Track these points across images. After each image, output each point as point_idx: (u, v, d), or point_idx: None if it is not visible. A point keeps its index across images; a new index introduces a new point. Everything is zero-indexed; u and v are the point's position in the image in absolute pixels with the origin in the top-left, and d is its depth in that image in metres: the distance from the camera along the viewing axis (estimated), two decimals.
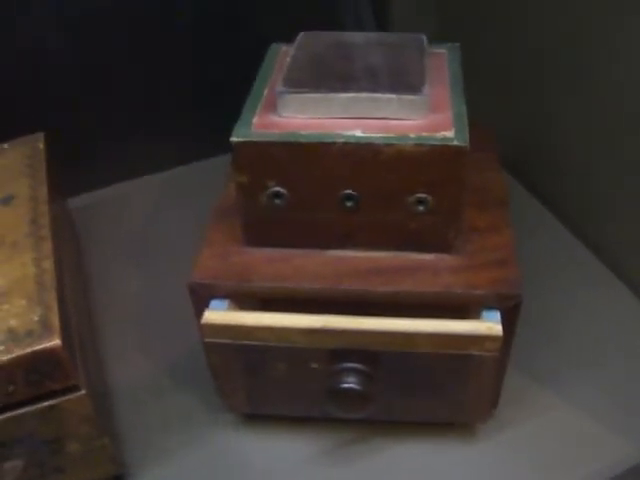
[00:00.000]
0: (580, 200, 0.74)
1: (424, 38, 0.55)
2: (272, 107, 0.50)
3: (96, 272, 0.74)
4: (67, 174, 0.72)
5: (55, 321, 0.48)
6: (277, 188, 0.49)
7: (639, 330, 0.65)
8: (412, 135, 0.47)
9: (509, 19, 0.76)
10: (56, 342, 0.46)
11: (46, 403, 0.48)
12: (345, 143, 0.47)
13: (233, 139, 0.48)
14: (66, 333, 0.49)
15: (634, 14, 0.59)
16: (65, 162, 0.71)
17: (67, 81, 0.76)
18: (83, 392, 0.48)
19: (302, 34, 0.55)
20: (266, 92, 0.52)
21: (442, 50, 0.57)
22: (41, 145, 0.66)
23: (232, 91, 0.52)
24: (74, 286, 0.61)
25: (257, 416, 0.59)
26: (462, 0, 0.82)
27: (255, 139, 0.48)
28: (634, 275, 0.69)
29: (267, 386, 0.54)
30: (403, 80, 0.49)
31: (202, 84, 0.82)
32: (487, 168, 0.60)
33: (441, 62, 0.56)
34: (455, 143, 0.46)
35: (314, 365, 0.51)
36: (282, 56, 0.56)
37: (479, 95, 0.56)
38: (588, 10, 0.64)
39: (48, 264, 0.53)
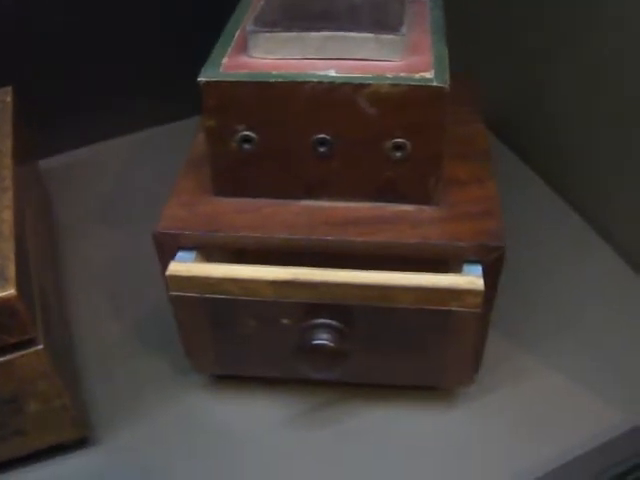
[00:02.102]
0: (568, 164, 0.72)
1: None
2: (243, 48, 0.47)
3: (67, 232, 0.72)
4: (40, 137, 0.71)
5: (11, 271, 0.45)
6: (246, 132, 0.47)
7: (623, 291, 0.64)
8: (389, 75, 0.44)
9: None
10: (11, 292, 0.44)
11: (1, 358, 0.45)
12: (318, 83, 0.44)
13: (200, 79, 0.45)
14: (24, 285, 0.46)
15: None
16: (39, 125, 0.69)
17: (41, 43, 0.74)
18: (40, 347, 0.46)
19: None
20: (238, 34, 0.50)
21: None
22: (8, 98, 0.63)
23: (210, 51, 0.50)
24: (39, 242, 0.59)
25: (229, 378, 0.57)
26: None
27: (223, 79, 0.45)
28: (618, 234, 0.67)
29: (236, 344, 0.51)
30: (381, 20, 0.47)
31: (177, 42, 0.80)
32: (469, 120, 0.58)
33: (423, 8, 0.53)
34: (434, 84, 0.44)
35: (285, 321, 0.48)
36: (256, 1, 0.53)
37: (466, 56, 0.54)
38: None
39: (7, 215, 0.50)
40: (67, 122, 0.78)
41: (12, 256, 0.47)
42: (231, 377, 0.56)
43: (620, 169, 0.65)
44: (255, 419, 0.55)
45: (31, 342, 0.46)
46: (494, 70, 0.76)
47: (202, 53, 0.48)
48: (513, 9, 0.73)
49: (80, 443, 0.53)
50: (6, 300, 0.43)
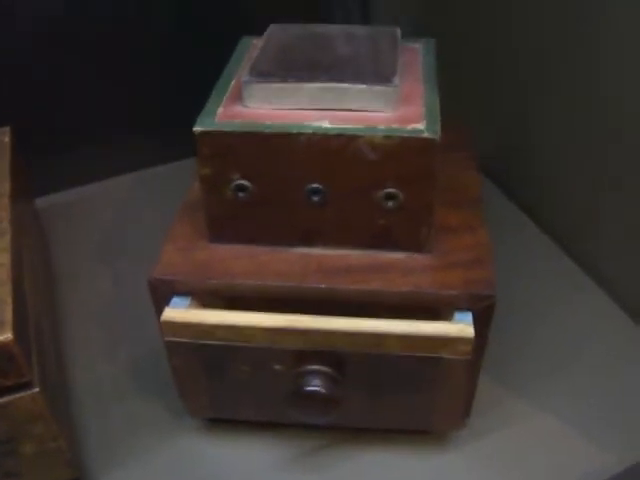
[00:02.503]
0: (560, 207, 0.73)
1: (398, 31, 0.53)
2: (238, 98, 0.48)
3: (64, 272, 0.72)
4: (37, 175, 0.72)
5: (8, 315, 0.46)
6: (241, 181, 0.47)
7: (615, 336, 0.64)
8: (381, 127, 0.45)
9: (493, 21, 0.74)
10: (7, 336, 0.44)
11: None
12: (312, 134, 0.45)
13: (196, 129, 0.46)
14: (20, 328, 0.47)
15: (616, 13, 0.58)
16: (35, 162, 0.70)
17: (38, 81, 0.75)
18: (36, 390, 0.46)
19: (272, 26, 0.54)
20: (233, 83, 0.50)
21: (416, 45, 0.56)
22: (6, 139, 0.64)
23: (208, 93, 0.51)
24: (36, 284, 0.59)
25: (221, 421, 0.57)
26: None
27: (218, 129, 0.46)
28: (611, 279, 0.67)
29: (230, 389, 0.51)
30: (373, 71, 0.47)
31: (176, 85, 0.81)
32: (462, 167, 0.58)
33: (415, 56, 0.54)
34: (425, 135, 0.45)
35: (278, 367, 0.48)
36: (252, 48, 0.54)
37: (459, 101, 0.55)
38: (573, 11, 0.63)
39: (4, 258, 0.51)
40: (64, 161, 0.79)
41: (9, 300, 0.47)
42: (225, 421, 0.56)
43: (614, 214, 0.65)
44: (248, 463, 0.55)
45: (27, 385, 0.46)
46: (484, 113, 0.77)
47: (200, 93, 0.49)
48: (499, 55, 0.74)
49: None
50: (3, 344, 0.44)
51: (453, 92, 0.50)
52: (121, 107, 0.80)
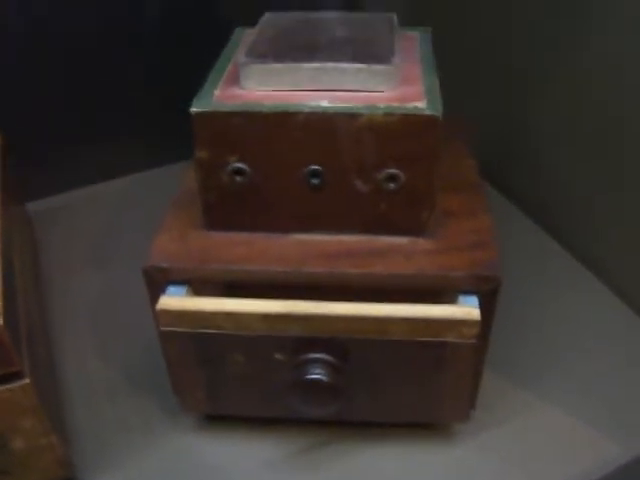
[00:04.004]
0: (556, 202, 0.72)
1: (394, 16, 0.53)
2: (235, 80, 0.47)
3: (54, 275, 0.71)
4: (28, 179, 0.71)
5: None
6: (238, 164, 0.46)
7: (619, 328, 0.63)
8: (381, 105, 0.44)
9: (489, 18, 0.74)
10: None
11: None
12: (310, 114, 0.44)
13: (192, 109, 0.45)
14: (10, 316, 0.45)
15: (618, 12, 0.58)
16: (26, 167, 0.69)
17: (28, 85, 0.74)
18: (27, 381, 0.45)
19: (267, 14, 0.53)
20: (229, 67, 0.50)
21: (413, 33, 0.55)
22: None
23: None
24: (28, 284, 0.58)
25: (218, 418, 0.55)
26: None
27: (215, 109, 0.45)
28: (612, 273, 0.67)
29: (227, 381, 0.50)
30: (372, 51, 0.47)
31: (164, 89, 0.80)
32: (460, 156, 0.57)
33: (412, 42, 0.53)
34: (427, 112, 0.44)
35: (278, 356, 0.47)
36: (247, 37, 0.53)
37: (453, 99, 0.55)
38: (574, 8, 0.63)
39: None
40: (56, 164, 0.78)
41: None
42: (221, 417, 0.55)
43: (616, 210, 0.65)
44: (246, 461, 0.53)
45: (17, 375, 0.44)
46: (478, 109, 0.76)
47: (190, 98, 0.48)
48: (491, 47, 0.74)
49: None
50: None
51: (447, 91, 0.50)
52: (111, 112, 0.80)
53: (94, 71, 0.77)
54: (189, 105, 0.45)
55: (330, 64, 0.45)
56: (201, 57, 0.53)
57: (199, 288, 0.48)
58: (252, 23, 0.53)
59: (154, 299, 0.47)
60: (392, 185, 0.46)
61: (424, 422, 0.54)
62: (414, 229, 0.48)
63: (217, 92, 0.46)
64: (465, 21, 0.78)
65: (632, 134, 0.60)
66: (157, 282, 0.48)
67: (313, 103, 0.45)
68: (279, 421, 0.54)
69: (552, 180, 0.72)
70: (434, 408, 0.51)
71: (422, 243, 0.49)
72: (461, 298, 0.46)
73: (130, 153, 0.82)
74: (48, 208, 0.79)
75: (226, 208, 0.49)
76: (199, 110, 0.45)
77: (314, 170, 0.46)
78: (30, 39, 0.72)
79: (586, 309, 0.65)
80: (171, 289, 0.48)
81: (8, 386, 0.44)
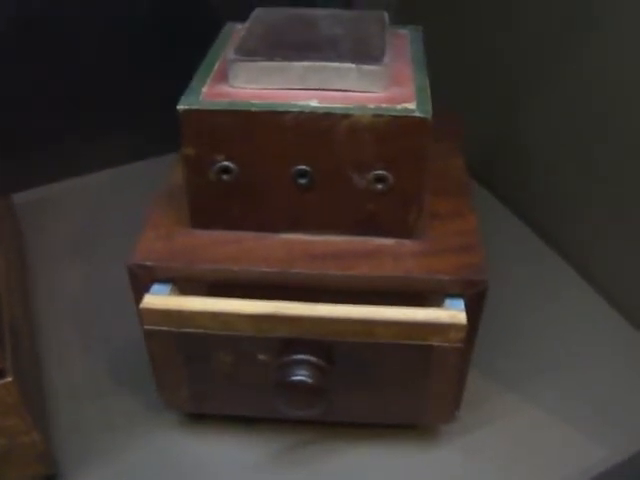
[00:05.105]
0: (545, 201, 0.72)
1: (385, 14, 0.52)
2: (223, 78, 0.47)
3: (39, 267, 0.70)
4: (13, 170, 0.70)
5: None
6: (226, 162, 0.46)
7: (605, 331, 0.63)
8: (371, 106, 0.44)
9: (479, 19, 0.74)
10: None
11: None
12: (300, 113, 0.44)
13: (179, 107, 0.44)
14: None
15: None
16: (11, 158, 0.69)
17: (14, 78, 0.73)
18: (9, 379, 0.44)
19: (257, 9, 0.53)
20: (218, 63, 0.49)
21: (404, 31, 0.55)
22: None
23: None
24: (10, 276, 0.57)
25: (200, 417, 0.55)
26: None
27: (202, 107, 0.44)
28: (600, 276, 0.67)
29: (211, 381, 0.49)
30: (362, 51, 0.46)
31: (151, 82, 0.79)
32: (449, 155, 0.57)
33: (403, 41, 0.53)
34: (416, 114, 0.43)
35: (262, 357, 0.47)
36: (237, 32, 0.53)
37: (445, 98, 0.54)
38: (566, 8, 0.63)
39: None
40: (41, 156, 0.77)
41: None
42: (204, 416, 0.54)
43: (599, 207, 0.65)
44: (229, 460, 0.53)
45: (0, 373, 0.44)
46: (468, 108, 0.76)
47: (177, 92, 0.47)
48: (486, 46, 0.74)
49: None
50: None
51: (438, 90, 0.49)
52: (97, 104, 0.79)
53: (78, 64, 0.76)
54: (175, 98, 0.45)
55: (320, 63, 0.45)
56: (188, 49, 0.53)
57: (184, 287, 0.48)
58: (243, 18, 0.52)
59: (138, 297, 0.47)
60: (380, 186, 0.46)
61: (409, 423, 0.54)
62: (402, 231, 0.48)
63: (205, 89, 0.46)
64: (456, 20, 0.77)
65: (622, 135, 0.60)
66: (142, 280, 0.47)
67: (302, 103, 0.44)
68: (263, 419, 0.54)
69: (542, 180, 0.72)
70: (419, 409, 0.51)
71: (409, 245, 0.48)
72: (447, 301, 0.46)
73: (114, 145, 0.82)
74: (33, 199, 0.78)
75: (213, 207, 0.48)
76: (186, 107, 0.44)
77: (302, 170, 0.46)
78: (12, 33, 0.71)
79: (573, 311, 0.65)
80: (155, 287, 0.47)
81: None
